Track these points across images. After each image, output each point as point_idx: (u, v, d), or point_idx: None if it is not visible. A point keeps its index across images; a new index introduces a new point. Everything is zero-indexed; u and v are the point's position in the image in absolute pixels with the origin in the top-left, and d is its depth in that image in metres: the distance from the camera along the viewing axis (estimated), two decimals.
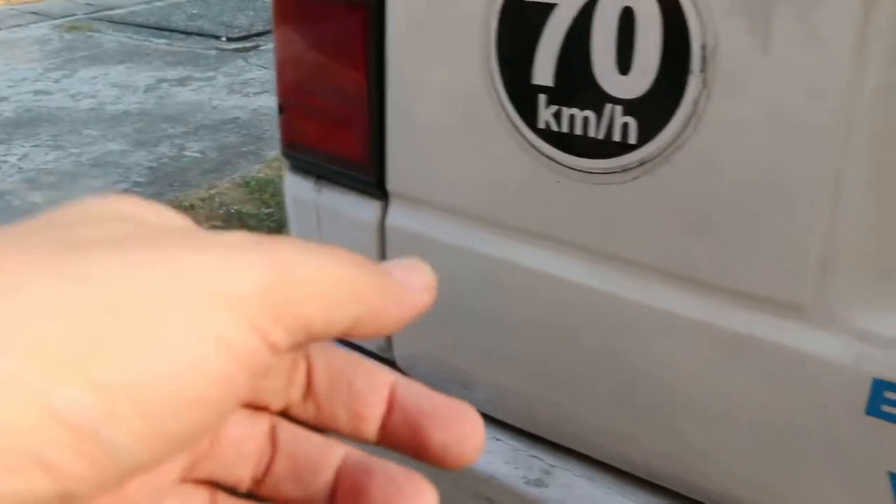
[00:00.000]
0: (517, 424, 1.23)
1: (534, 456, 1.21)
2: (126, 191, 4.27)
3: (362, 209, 1.24)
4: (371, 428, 0.35)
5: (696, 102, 0.88)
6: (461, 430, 0.34)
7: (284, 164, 1.37)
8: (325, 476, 0.35)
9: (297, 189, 1.34)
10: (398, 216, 1.21)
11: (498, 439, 1.24)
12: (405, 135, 1.16)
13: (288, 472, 0.35)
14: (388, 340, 1.32)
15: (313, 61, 1.23)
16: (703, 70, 0.87)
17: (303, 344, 0.29)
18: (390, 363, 1.35)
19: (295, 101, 1.28)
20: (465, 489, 1.25)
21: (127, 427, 0.23)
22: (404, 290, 0.32)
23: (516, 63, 0.99)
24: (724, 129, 0.88)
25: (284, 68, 1.28)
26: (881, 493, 0.91)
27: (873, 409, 0.89)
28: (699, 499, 1.08)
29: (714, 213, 0.91)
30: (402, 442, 0.34)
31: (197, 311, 0.25)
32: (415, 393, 0.35)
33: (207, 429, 0.26)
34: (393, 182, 1.19)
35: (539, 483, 1.18)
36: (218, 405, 0.26)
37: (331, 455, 0.35)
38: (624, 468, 1.14)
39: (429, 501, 0.33)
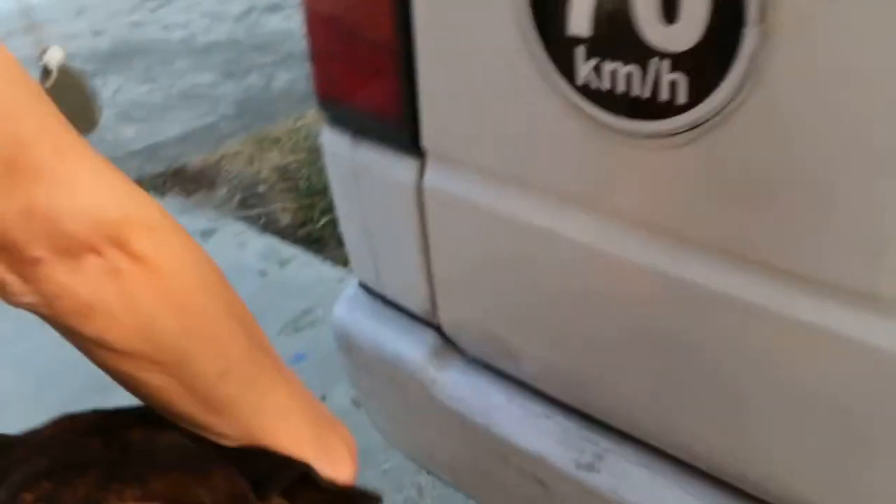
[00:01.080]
0: (567, 402, 1.13)
1: (586, 438, 1.11)
2: (213, 124, 4.25)
3: (399, 168, 1.14)
4: None
5: (753, 58, 0.74)
6: None
7: (322, 118, 1.27)
8: None
9: (334, 145, 1.24)
10: (435, 177, 1.10)
11: (549, 417, 1.14)
12: (438, 90, 1.04)
13: None
14: (433, 305, 1.22)
15: (341, 9, 1.12)
16: (761, 19, 0.73)
17: None
18: (436, 328, 1.26)
19: (326, 52, 1.18)
20: (513, 467, 1.16)
21: None
22: None
23: (551, 9, 0.87)
24: (788, 88, 0.74)
25: (313, 16, 1.17)
26: None
27: None
28: (763, 497, 0.96)
29: (776, 185, 0.78)
30: None
31: None
32: None
33: None
34: (428, 140, 1.08)
35: (591, 468, 1.08)
36: None
37: None
38: (683, 458, 1.03)
39: None
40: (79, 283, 0.51)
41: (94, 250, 0.50)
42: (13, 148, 0.47)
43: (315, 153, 3.81)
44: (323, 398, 2.26)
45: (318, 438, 0.66)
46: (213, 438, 0.62)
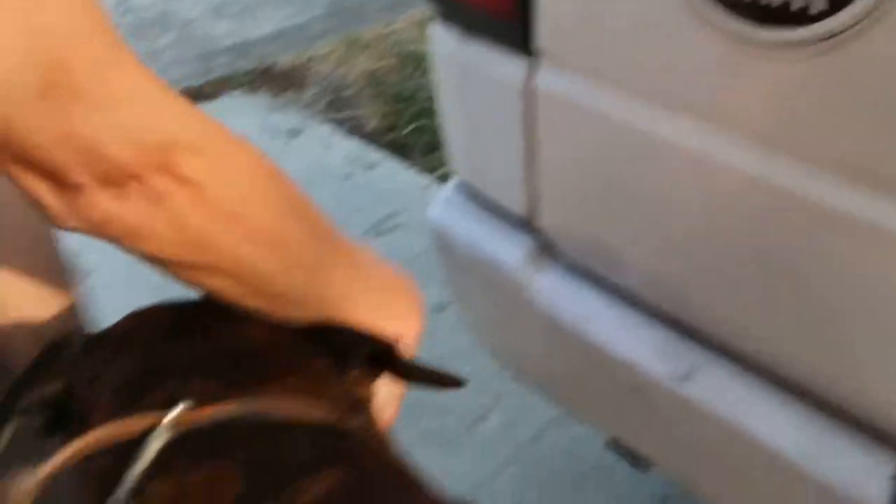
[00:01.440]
0: (669, 312, 1.12)
1: (683, 349, 1.11)
2: (304, 24, 4.24)
3: (508, 68, 1.13)
4: None
5: None
6: None
7: (433, 12, 1.26)
8: None
9: (443, 42, 1.23)
10: (547, 78, 1.09)
11: (646, 327, 1.14)
12: None
13: None
14: (535, 208, 1.22)
15: None
16: None
17: None
18: (535, 231, 1.26)
19: None
20: (608, 375, 1.17)
21: None
22: None
23: None
24: None
25: None
26: None
27: None
28: (859, 418, 0.96)
29: None
30: None
31: None
32: None
33: None
34: (542, 38, 1.07)
35: (686, 378, 1.08)
36: None
37: None
38: (781, 376, 1.02)
39: None
40: (124, 209, 0.50)
41: (138, 176, 0.49)
42: (51, 67, 0.45)
43: (405, 60, 3.79)
44: None
45: (384, 305, 0.68)
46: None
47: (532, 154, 1.16)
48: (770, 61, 0.84)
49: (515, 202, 1.24)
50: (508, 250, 1.26)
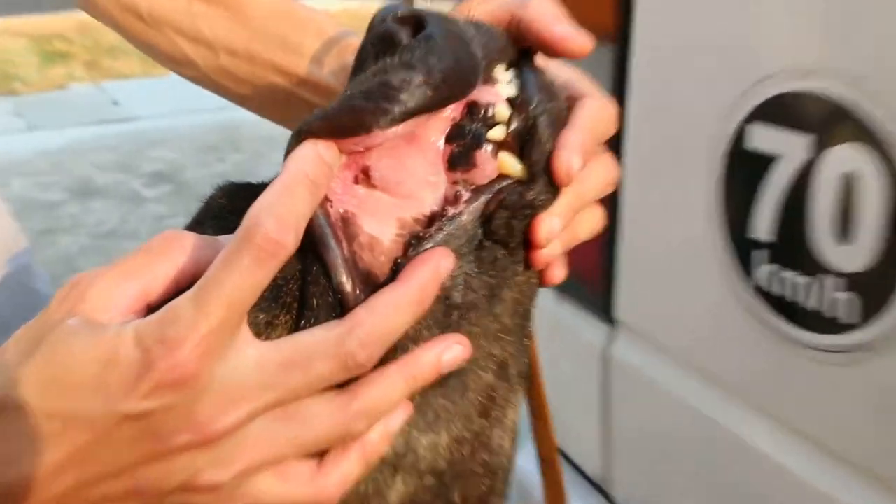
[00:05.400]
0: None
1: None
2: None
3: (589, 331, 1.19)
4: None
5: None
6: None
7: None
8: None
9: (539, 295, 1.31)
10: (623, 348, 1.14)
11: None
12: (634, 266, 1.09)
13: None
14: (608, 471, 1.24)
15: None
16: None
17: None
18: (605, 494, 1.27)
19: None
20: None
21: None
22: None
23: (736, 212, 0.90)
24: None
25: None
26: None
27: None
28: None
29: None
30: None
31: None
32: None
33: None
34: (620, 311, 1.13)
35: None
36: None
37: None
38: None
39: None
40: None
41: None
42: None
43: None
44: None
45: None
46: None
47: (608, 418, 1.19)
48: (812, 361, 0.86)
49: (588, 462, 1.26)
50: None
